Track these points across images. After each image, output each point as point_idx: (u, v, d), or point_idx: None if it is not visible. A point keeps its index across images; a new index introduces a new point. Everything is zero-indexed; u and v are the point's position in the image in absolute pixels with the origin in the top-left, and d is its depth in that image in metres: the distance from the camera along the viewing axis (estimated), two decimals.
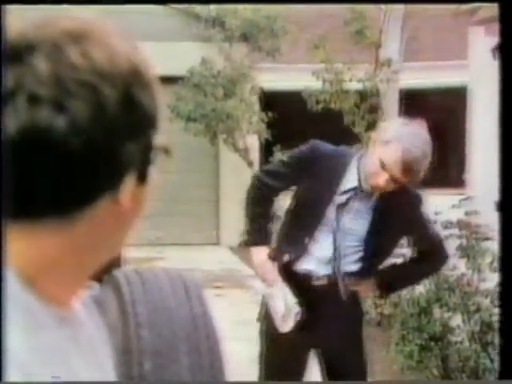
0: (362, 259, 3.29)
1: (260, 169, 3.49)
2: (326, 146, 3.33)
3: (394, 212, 3.24)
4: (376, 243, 3.27)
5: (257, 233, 3.41)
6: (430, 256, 3.46)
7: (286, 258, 3.30)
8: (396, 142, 3.04)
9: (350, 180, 3.22)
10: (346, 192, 3.22)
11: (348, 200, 3.22)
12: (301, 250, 3.27)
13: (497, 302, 4.70)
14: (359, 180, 3.19)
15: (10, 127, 0.72)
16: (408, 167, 3.03)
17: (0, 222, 0.75)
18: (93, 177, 0.77)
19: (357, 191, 3.21)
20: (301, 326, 3.25)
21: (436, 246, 3.45)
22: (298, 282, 3.28)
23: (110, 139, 0.76)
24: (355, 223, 3.25)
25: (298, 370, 3.45)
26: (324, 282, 3.27)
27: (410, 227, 3.35)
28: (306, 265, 3.28)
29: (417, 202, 3.34)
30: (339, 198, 3.22)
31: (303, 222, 3.30)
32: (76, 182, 0.76)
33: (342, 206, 3.22)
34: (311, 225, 3.26)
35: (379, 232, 3.24)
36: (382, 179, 3.08)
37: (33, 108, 0.73)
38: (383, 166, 3.06)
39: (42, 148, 0.73)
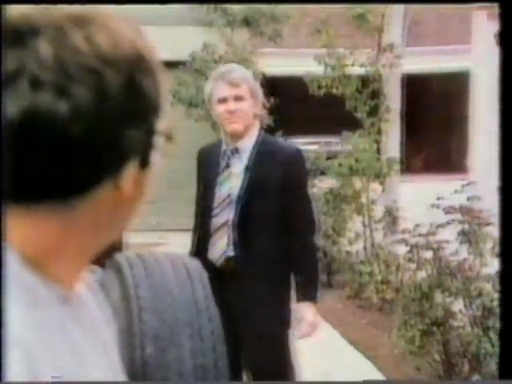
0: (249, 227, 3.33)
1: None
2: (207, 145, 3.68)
3: (267, 169, 3.31)
4: (250, 202, 3.31)
5: (193, 245, 3.56)
6: (300, 231, 3.36)
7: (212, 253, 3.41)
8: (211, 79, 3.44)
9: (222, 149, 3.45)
10: (222, 157, 3.42)
11: (227, 163, 3.40)
12: (207, 235, 3.39)
13: (498, 287, 4.71)
14: (225, 143, 3.42)
15: (11, 111, 0.72)
16: (223, 77, 3.34)
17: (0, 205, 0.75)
18: (94, 162, 0.77)
19: (227, 152, 3.39)
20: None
21: (305, 214, 3.38)
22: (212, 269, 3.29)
23: (111, 125, 0.76)
24: (234, 185, 3.36)
25: None
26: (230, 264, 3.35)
27: (284, 184, 3.30)
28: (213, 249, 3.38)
29: (294, 158, 3.37)
30: (221, 163, 3.42)
31: (204, 205, 3.45)
32: (77, 168, 0.76)
33: (223, 171, 3.40)
34: (209, 205, 3.40)
35: (252, 191, 3.31)
36: (220, 108, 3.33)
37: (35, 92, 0.72)
38: (215, 99, 3.35)
39: (44, 132, 0.73)
